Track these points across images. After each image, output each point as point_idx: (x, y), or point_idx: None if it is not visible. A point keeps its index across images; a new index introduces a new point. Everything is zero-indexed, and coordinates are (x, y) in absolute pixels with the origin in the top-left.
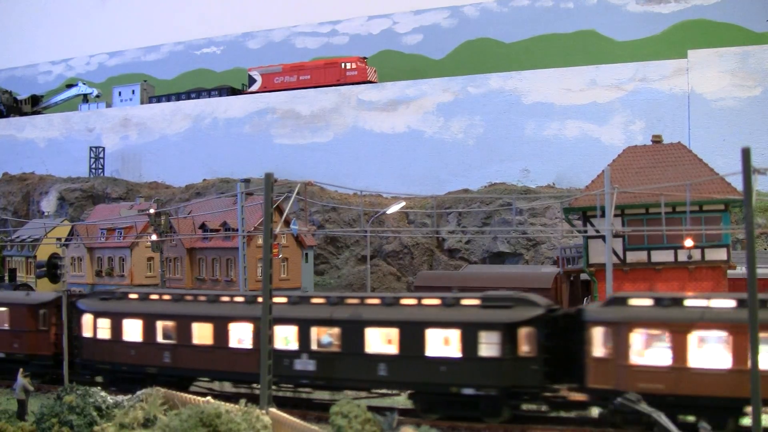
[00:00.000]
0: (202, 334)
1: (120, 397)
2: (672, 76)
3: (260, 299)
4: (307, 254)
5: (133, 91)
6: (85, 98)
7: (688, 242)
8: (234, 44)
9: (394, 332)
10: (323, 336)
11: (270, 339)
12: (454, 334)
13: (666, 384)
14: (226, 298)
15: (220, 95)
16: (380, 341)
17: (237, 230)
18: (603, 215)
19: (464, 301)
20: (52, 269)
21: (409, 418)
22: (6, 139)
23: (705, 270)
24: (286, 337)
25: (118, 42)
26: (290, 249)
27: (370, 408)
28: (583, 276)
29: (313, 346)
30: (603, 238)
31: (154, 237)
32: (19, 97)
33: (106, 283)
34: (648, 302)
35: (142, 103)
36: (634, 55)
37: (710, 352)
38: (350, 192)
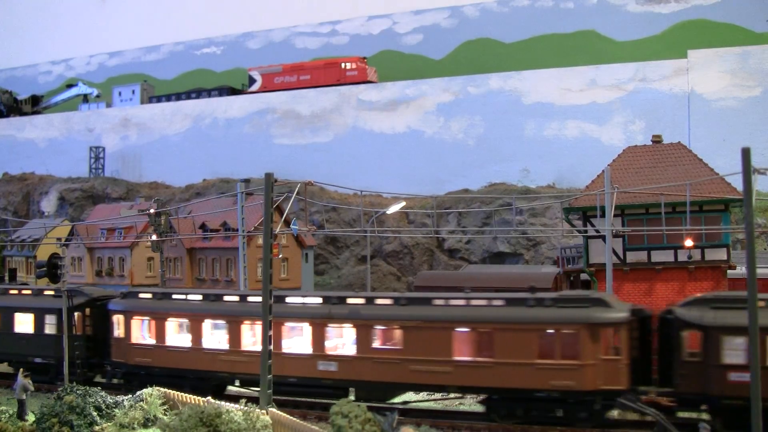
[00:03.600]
0: None
1: (120, 397)
2: (672, 76)
3: None
4: (307, 254)
5: (133, 91)
6: (85, 98)
7: (688, 242)
8: (234, 44)
9: None
10: None
11: (270, 339)
12: (30, 317)
13: (152, 358)
14: None
15: (220, 95)
16: None
17: (237, 230)
18: (603, 215)
19: (46, 292)
20: (52, 269)
21: (409, 418)
22: (6, 139)
23: (705, 270)
24: None
25: (118, 42)
26: (290, 249)
27: (370, 408)
28: (583, 276)
29: None
30: (603, 238)
31: (154, 237)
32: (19, 97)
33: (107, 283)
34: (148, 296)
35: (142, 103)
36: (634, 55)
37: (181, 335)
38: (350, 192)
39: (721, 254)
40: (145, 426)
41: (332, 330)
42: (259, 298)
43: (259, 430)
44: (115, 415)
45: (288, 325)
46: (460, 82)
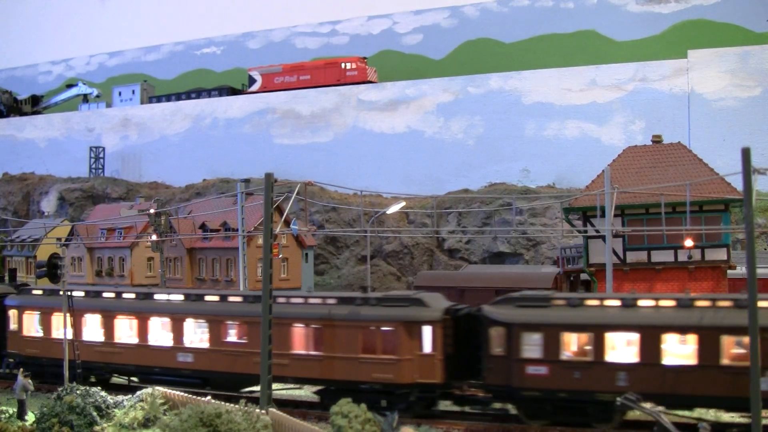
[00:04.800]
0: None
1: (120, 397)
2: (672, 76)
3: None
4: (307, 254)
5: (133, 91)
6: (85, 98)
7: (688, 242)
8: (234, 44)
9: None
10: None
11: (270, 339)
12: None
13: (40, 350)
14: None
15: (220, 95)
16: None
17: (237, 230)
18: (603, 215)
19: None
20: (52, 269)
21: (409, 419)
22: (6, 139)
23: (705, 270)
24: None
25: (118, 42)
26: (290, 249)
27: (371, 408)
28: (583, 276)
29: None
30: (603, 238)
31: (154, 237)
32: (19, 97)
33: (107, 283)
34: (39, 292)
35: (142, 103)
36: (634, 55)
37: (59, 328)
38: (350, 192)
39: (721, 254)
40: (145, 426)
41: (189, 324)
42: (131, 295)
43: (259, 430)
44: (115, 415)
45: (153, 319)
46: (460, 82)
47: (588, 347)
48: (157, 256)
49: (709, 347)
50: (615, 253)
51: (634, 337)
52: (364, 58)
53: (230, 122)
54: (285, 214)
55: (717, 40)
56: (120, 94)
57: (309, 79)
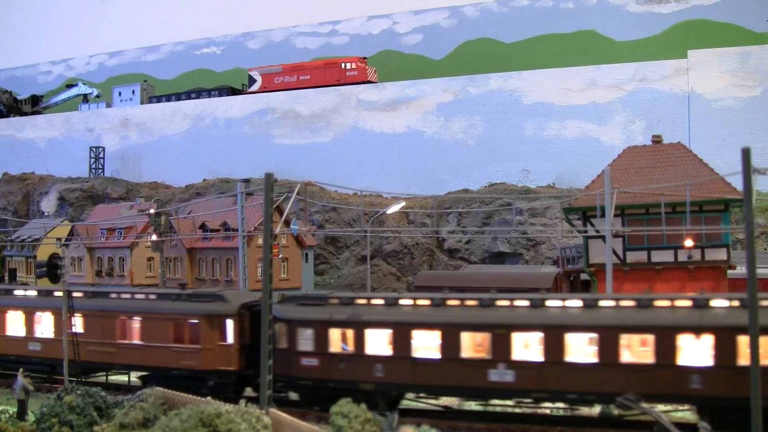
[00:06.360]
0: None
1: (120, 397)
2: (672, 76)
3: None
4: (307, 254)
5: (133, 91)
6: (85, 98)
7: (688, 242)
8: (234, 44)
9: None
10: None
11: (270, 339)
12: None
13: None
14: None
15: (220, 95)
16: None
17: (237, 230)
18: (603, 215)
19: None
20: (52, 269)
21: (409, 418)
22: (6, 139)
23: (705, 270)
24: None
25: (118, 42)
26: (290, 249)
27: (371, 408)
28: (583, 276)
29: None
30: (603, 238)
31: (154, 237)
32: (19, 97)
33: (107, 283)
34: None
35: (142, 103)
36: (634, 55)
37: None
38: (350, 192)
39: (721, 254)
40: (145, 426)
41: (38, 317)
42: None
43: (259, 430)
44: (115, 415)
45: (9, 312)
46: (460, 82)
47: (351, 341)
48: (157, 256)
49: (451, 342)
50: (615, 253)
51: (389, 333)
52: (364, 58)
53: (230, 122)
54: (285, 214)
55: (717, 40)
56: (120, 94)
57: (309, 79)
